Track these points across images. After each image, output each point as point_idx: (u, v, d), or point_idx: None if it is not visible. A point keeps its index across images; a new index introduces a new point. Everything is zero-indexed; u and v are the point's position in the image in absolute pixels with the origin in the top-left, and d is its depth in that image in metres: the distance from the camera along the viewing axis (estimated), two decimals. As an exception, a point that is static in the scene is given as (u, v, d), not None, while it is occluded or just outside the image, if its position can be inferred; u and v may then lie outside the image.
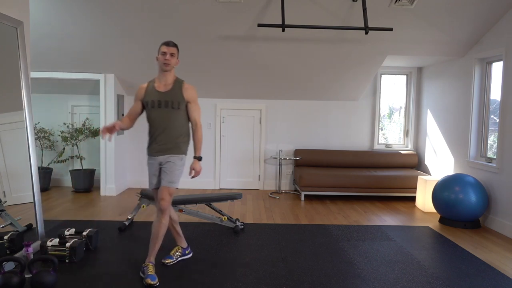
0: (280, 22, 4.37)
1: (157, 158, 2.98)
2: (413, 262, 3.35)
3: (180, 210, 4.15)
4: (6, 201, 3.08)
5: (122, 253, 3.43)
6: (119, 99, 5.75)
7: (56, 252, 3.20)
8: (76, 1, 4.19)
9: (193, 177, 3.01)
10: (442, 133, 5.58)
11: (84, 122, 6.05)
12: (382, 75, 6.39)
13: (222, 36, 4.73)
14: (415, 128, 6.41)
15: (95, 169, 6.00)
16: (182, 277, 2.97)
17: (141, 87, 3.04)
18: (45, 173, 5.82)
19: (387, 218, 4.76)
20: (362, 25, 4.47)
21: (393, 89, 6.50)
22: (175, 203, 4.10)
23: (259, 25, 4.10)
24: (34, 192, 3.33)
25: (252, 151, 6.28)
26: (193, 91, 3.04)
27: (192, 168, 2.98)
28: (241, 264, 3.23)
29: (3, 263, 2.78)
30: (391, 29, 4.16)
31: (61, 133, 5.94)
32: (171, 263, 3.20)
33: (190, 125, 3.09)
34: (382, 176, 5.57)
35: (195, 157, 3.01)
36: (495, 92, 4.65)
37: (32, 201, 3.32)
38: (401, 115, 6.55)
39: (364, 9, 4.08)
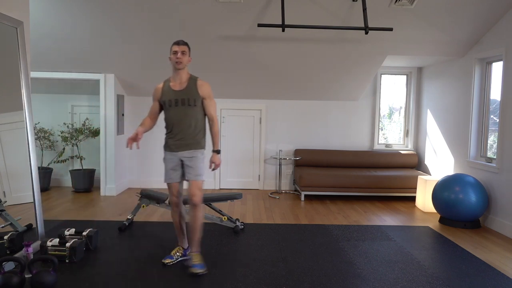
0: (280, 22, 4.37)
1: (178, 154, 3.10)
2: (413, 262, 3.35)
3: (180, 210, 4.15)
4: (6, 201, 3.08)
5: (122, 253, 3.43)
6: (119, 99, 5.75)
7: (56, 252, 3.20)
8: (76, 1, 4.19)
9: (213, 169, 3.12)
10: (442, 133, 5.58)
11: (84, 122, 6.05)
12: (382, 75, 6.39)
13: (222, 36, 4.73)
14: (415, 128, 6.41)
15: (95, 169, 6.00)
16: (182, 277, 2.97)
17: (157, 88, 3.17)
18: (45, 173, 5.82)
19: (387, 218, 4.76)
20: (362, 25, 4.47)
21: (393, 89, 6.50)
22: (175, 203, 4.10)
23: (259, 25, 4.10)
24: (34, 192, 3.33)
25: (252, 151, 6.28)
26: (208, 87, 3.14)
27: (212, 161, 3.10)
28: (241, 264, 3.23)
29: (3, 263, 2.78)
30: (391, 29, 4.16)
31: (61, 133, 5.94)
32: (171, 263, 3.20)
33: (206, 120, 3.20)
34: (382, 176, 5.57)
35: (213, 151, 3.12)
36: (495, 92, 4.65)
37: (32, 201, 3.32)
38: (401, 115, 6.55)
39: (364, 9, 4.08)
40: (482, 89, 4.80)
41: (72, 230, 3.51)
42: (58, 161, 6.01)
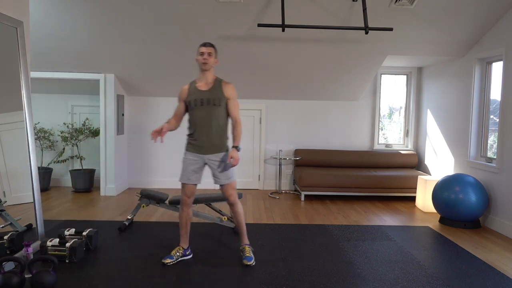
0: (280, 22, 4.37)
1: (203, 156, 3.16)
2: (413, 262, 3.35)
3: (180, 210, 4.15)
4: (6, 201, 3.08)
5: (122, 253, 3.43)
6: (119, 99, 5.75)
7: (56, 252, 3.20)
8: (76, 1, 4.19)
9: (232, 165, 3.12)
10: (442, 133, 5.58)
11: (84, 122, 6.05)
12: (382, 75, 6.39)
13: (222, 36, 4.73)
14: (415, 128, 6.41)
15: (95, 169, 6.00)
16: (182, 277, 2.97)
17: (183, 89, 3.22)
18: (45, 173, 5.82)
19: (387, 218, 4.76)
20: (362, 25, 4.47)
21: (393, 89, 6.50)
22: (175, 203, 4.10)
23: (259, 25, 4.10)
24: (34, 192, 3.33)
25: (252, 151, 6.28)
26: (233, 88, 3.21)
27: (231, 156, 3.07)
28: (241, 264, 3.23)
29: (3, 263, 2.78)
30: (391, 29, 4.16)
31: (61, 133, 5.94)
32: (171, 263, 3.20)
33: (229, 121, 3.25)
34: (382, 176, 5.57)
35: (233, 146, 3.13)
36: (495, 92, 4.65)
37: (32, 201, 3.32)
38: (401, 115, 6.55)
39: (364, 9, 4.08)
40: (482, 89, 4.80)
41: (72, 230, 3.51)
42: (58, 161, 6.01)
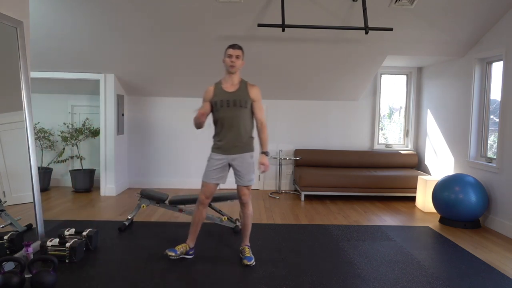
0: (280, 22, 4.37)
1: (228, 157, 3.19)
2: (413, 262, 3.35)
3: (180, 210, 4.15)
4: (6, 201, 3.08)
5: (122, 253, 3.43)
6: (119, 99, 5.75)
7: (56, 252, 3.20)
8: (76, 1, 4.19)
9: (263, 171, 3.20)
10: (442, 133, 5.58)
11: (84, 122, 6.05)
12: (382, 75, 6.39)
13: (222, 36, 4.72)
14: (415, 128, 6.41)
15: (95, 169, 6.00)
16: (182, 277, 2.97)
17: (209, 89, 3.23)
18: (45, 173, 5.82)
19: (387, 218, 4.76)
20: (362, 25, 4.47)
21: (393, 89, 6.50)
22: (175, 203, 4.11)
23: (259, 25, 4.10)
24: (34, 192, 3.32)
25: (252, 151, 6.28)
26: (258, 90, 3.25)
27: (261, 163, 3.18)
28: (241, 264, 3.23)
29: (3, 263, 2.78)
30: (391, 29, 4.16)
31: (61, 133, 5.94)
32: (173, 257, 3.20)
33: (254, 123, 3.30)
34: (382, 176, 5.57)
35: (262, 152, 3.23)
36: (495, 92, 4.65)
37: (32, 201, 3.32)
38: (401, 115, 6.55)
39: (364, 9, 4.08)
40: (482, 89, 4.80)
41: (72, 230, 3.51)
42: (58, 161, 6.01)
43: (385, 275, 3.08)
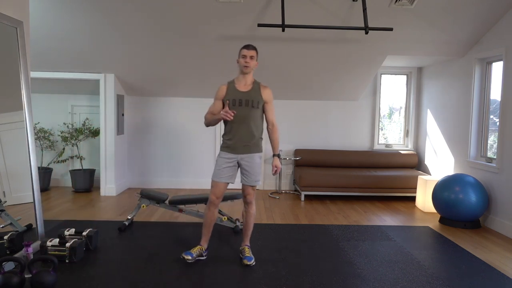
0: (280, 22, 4.37)
1: (237, 156, 3.20)
2: (413, 262, 3.35)
3: (180, 210, 4.15)
4: (6, 201, 3.08)
5: (122, 253, 3.43)
6: (119, 99, 5.75)
7: (56, 252, 3.20)
8: (76, 1, 4.19)
9: (275, 173, 3.24)
10: (442, 133, 5.58)
11: (84, 122, 6.05)
12: (382, 75, 6.39)
13: (222, 36, 4.72)
14: (415, 128, 6.41)
15: (95, 169, 6.00)
16: (182, 277, 2.97)
17: (221, 88, 3.25)
18: (45, 173, 5.82)
19: (387, 218, 4.75)
20: (362, 25, 4.47)
21: (393, 89, 6.50)
22: (175, 203, 4.11)
23: (259, 25, 4.10)
24: (34, 192, 3.32)
25: (252, 151, 6.27)
26: (270, 92, 3.30)
27: (274, 165, 3.26)
28: (241, 264, 3.23)
29: (3, 263, 2.78)
30: (391, 29, 4.16)
31: (61, 133, 5.94)
32: (190, 261, 3.19)
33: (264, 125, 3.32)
34: (382, 176, 5.57)
35: (275, 155, 3.30)
36: (495, 92, 4.65)
37: (32, 201, 3.32)
38: (401, 115, 6.55)
39: (364, 9, 4.08)
40: (482, 89, 4.80)
41: (72, 230, 3.51)
42: (58, 161, 6.01)
43: (385, 275, 3.08)
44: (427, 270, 3.19)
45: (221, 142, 3.31)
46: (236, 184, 3.40)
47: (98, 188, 6.01)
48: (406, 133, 6.49)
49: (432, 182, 5.03)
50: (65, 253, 3.19)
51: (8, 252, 3.03)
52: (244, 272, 3.08)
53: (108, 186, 5.67)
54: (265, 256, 3.42)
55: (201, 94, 6.02)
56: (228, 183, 3.23)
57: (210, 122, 3.26)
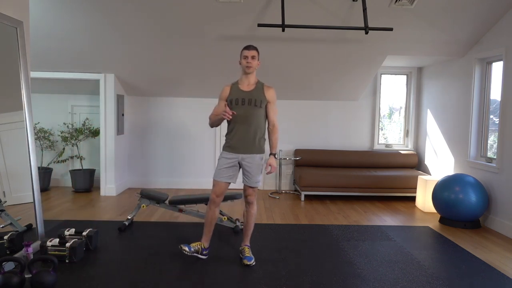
0: (280, 22, 4.37)
1: (238, 156, 3.21)
2: (413, 262, 3.35)
3: (180, 210, 4.15)
4: (6, 201, 3.08)
5: (122, 253, 3.43)
6: (119, 99, 5.75)
7: (56, 252, 3.20)
8: (76, 1, 4.19)
9: (268, 172, 3.24)
10: (442, 133, 5.58)
11: (84, 122, 6.05)
12: (382, 75, 6.39)
13: (222, 36, 4.72)
14: (415, 128, 6.41)
15: (95, 169, 6.00)
16: (182, 277, 2.97)
17: (225, 88, 3.29)
18: (45, 173, 5.82)
19: (387, 218, 4.76)
20: (362, 25, 4.47)
21: (393, 89, 6.50)
22: (175, 203, 4.11)
23: (259, 25, 4.10)
24: (34, 192, 3.32)
25: (252, 151, 6.27)
26: (274, 92, 3.32)
27: (269, 164, 3.24)
28: (241, 264, 3.23)
29: (3, 263, 2.78)
30: (391, 29, 4.16)
31: (61, 133, 5.94)
32: (186, 252, 3.18)
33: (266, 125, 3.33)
34: (382, 176, 5.57)
35: (271, 154, 3.31)
36: (495, 92, 4.65)
37: (32, 201, 3.32)
38: (401, 115, 6.55)
39: (364, 9, 4.08)
40: (482, 89, 4.80)
41: (72, 230, 3.51)
42: (58, 161, 6.01)
43: (385, 275, 3.08)
44: (427, 270, 3.19)
45: (224, 141, 3.32)
46: (236, 184, 3.41)
47: (98, 188, 6.01)
48: (406, 133, 6.49)
49: (432, 182, 5.03)
50: (65, 253, 3.19)
51: (8, 252, 3.03)
52: (244, 272, 3.08)
53: (108, 186, 5.66)
54: (265, 256, 3.42)
55: (201, 94, 6.02)
56: (229, 183, 3.22)
57: (214, 122, 3.29)
